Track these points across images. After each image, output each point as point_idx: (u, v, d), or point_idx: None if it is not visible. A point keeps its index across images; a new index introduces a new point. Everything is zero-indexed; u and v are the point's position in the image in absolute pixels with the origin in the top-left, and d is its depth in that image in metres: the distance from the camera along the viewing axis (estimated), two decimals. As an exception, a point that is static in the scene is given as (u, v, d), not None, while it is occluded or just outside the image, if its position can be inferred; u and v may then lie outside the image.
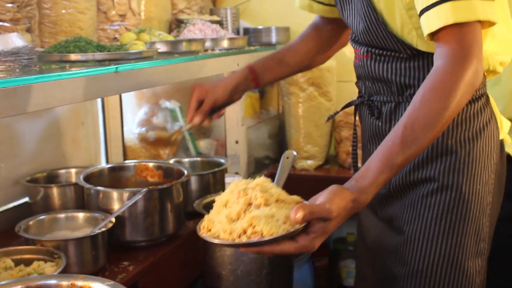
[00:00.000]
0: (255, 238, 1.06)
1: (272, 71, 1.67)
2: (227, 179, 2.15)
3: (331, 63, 2.63)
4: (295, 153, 1.89)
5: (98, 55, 1.57)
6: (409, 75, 1.35)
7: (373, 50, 1.39)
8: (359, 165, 1.61)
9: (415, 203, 1.37)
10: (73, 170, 2.07)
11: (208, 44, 2.16)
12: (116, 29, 2.12)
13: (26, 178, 1.92)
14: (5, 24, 1.62)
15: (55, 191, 1.83)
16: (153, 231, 1.68)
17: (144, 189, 1.60)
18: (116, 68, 1.46)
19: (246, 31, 2.71)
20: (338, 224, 1.11)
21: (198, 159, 2.21)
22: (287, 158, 1.90)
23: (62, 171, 2.06)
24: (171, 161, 2.15)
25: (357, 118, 1.60)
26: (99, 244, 1.51)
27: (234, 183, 1.20)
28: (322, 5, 1.60)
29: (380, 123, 1.43)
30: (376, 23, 1.33)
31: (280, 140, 2.83)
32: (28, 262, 1.42)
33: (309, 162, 2.63)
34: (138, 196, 1.58)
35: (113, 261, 1.60)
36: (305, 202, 1.15)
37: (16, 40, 1.40)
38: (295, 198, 1.18)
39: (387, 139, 1.18)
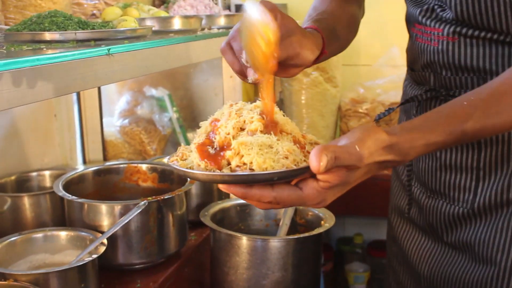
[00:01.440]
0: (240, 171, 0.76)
1: (329, 43, 1.07)
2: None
3: (337, 44, 2.34)
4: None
5: (81, 34, 1.23)
6: None
7: (465, 30, 1.05)
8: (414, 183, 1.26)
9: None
10: (46, 173, 1.73)
11: (204, 19, 1.84)
12: (95, 4, 1.78)
13: (-11, 184, 1.58)
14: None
15: (26, 201, 1.49)
16: (151, 251, 1.37)
17: (142, 202, 1.29)
18: (108, 49, 1.13)
19: (238, 8, 2.39)
20: (364, 177, 0.81)
21: (196, 155, 1.88)
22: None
23: (34, 174, 1.72)
24: (165, 160, 1.83)
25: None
26: (89, 275, 1.19)
27: (228, 104, 0.89)
28: None
29: None
30: None
31: (278, 131, 2.53)
32: (-2, 303, 1.10)
33: (313, 155, 2.34)
34: (135, 212, 1.26)
35: (104, 291, 1.29)
36: (321, 143, 0.84)
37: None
38: (310, 137, 0.86)
39: (462, 98, 0.89)
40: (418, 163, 1.23)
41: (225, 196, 1.69)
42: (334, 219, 1.45)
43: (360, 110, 2.27)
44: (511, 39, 1.01)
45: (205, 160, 0.79)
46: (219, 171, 0.78)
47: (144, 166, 1.60)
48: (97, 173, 1.57)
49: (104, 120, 2.16)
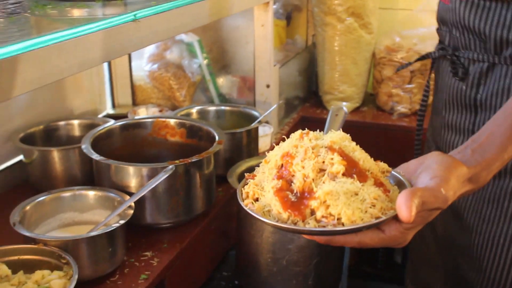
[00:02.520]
0: (329, 224, 0.74)
1: None
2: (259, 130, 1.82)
3: (374, -12, 2.23)
4: (345, 109, 1.57)
5: (107, -8, 1.20)
6: None
7: None
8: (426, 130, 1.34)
9: (498, 199, 1.10)
10: (75, 122, 1.73)
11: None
12: None
13: (19, 135, 1.58)
14: None
15: (56, 155, 1.50)
16: (179, 212, 1.37)
17: (170, 166, 1.28)
18: (134, 15, 1.09)
19: None
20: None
21: (226, 108, 1.85)
22: (336, 115, 1.57)
23: (62, 123, 1.72)
24: (194, 110, 1.81)
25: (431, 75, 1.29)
26: (117, 239, 1.20)
27: (296, 134, 0.85)
28: None
29: (464, 86, 1.15)
30: None
31: (309, 77, 2.47)
32: (28, 267, 1.12)
33: (345, 104, 2.29)
34: (162, 176, 1.25)
35: (132, 251, 1.30)
36: (394, 172, 0.82)
37: (-2, -22, 1.02)
38: (381, 165, 0.84)
39: None
40: (431, 121, 1.33)
41: (253, 153, 1.67)
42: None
43: (395, 59, 2.19)
44: None
45: (289, 210, 0.75)
46: (302, 222, 0.75)
47: (172, 121, 1.58)
48: (125, 127, 1.56)
49: (133, 64, 2.13)
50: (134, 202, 1.27)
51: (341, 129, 1.47)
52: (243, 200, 0.82)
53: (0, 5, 1.02)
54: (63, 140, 1.68)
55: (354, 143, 0.84)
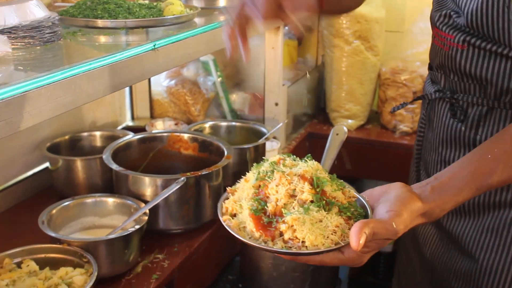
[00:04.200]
0: (294, 246, 0.85)
1: None
2: (266, 145, 1.96)
3: (380, 13, 2.37)
4: (345, 129, 1.70)
5: (131, 22, 1.34)
6: None
7: (474, 40, 1.11)
8: (422, 172, 1.37)
9: (497, 229, 1.15)
10: (97, 134, 1.89)
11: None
12: (145, -26, 1.86)
13: (46, 144, 1.73)
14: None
15: (79, 164, 1.65)
16: (189, 219, 1.51)
17: (182, 178, 1.42)
18: (154, 45, 1.23)
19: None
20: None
21: (237, 124, 1.99)
22: (337, 134, 1.70)
23: (85, 134, 1.87)
24: (206, 125, 1.95)
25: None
26: (132, 242, 1.34)
27: (274, 159, 0.94)
28: None
29: (463, 127, 1.19)
30: (505, 5, 1.04)
31: (318, 94, 2.61)
32: (53, 264, 1.26)
33: (350, 122, 2.42)
34: (174, 187, 1.40)
35: (145, 253, 1.44)
36: (360, 197, 0.93)
37: (35, 10, 1.17)
38: (349, 193, 0.94)
39: (485, 150, 0.96)
40: (425, 155, 1.33)
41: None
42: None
43: (399, 80, 2.32)
44: None
45: (260, 231, 0.86)
46: (271, 242, 0.86)
47: (186, 136, 1.73)
48: (142, 140, 1.71)
49: (151, 80, 2.28)
50: (149, 209, 1.41)
51: (333, 152, 1.59)
52: (222, 214, 0.93)
53: (37, 34, 1.17)
54: (86, 150, 1.83)
55: (325, 173, 0.94)
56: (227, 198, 0.96)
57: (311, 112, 2.55)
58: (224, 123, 1.99)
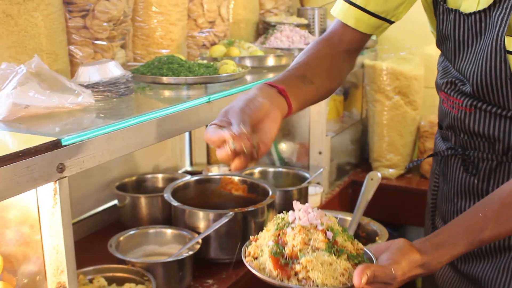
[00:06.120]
0: (307, 284, 0.97)
1: (300, 90, 1.18)
2: (310, 189, 2.16)
3: (419, 71, 2.56)
4: (379, 174, 1.88)
5: (190, 79, 1.60)
6: None
7: (480, 104, 1.25)
8: (437, 220, 1.50)
9: None
10: (159, 176, 2.14)
11: (296, 54, 2.15)
12: (205, 36, 2.14)
13: (115, 184, 1.99)
14: (102, 42, 1.67)
15: (143, 201, 1.90)
16: (237, 250, 1.72)
17: (230, 213, 1.64)
18: (209, 98, 1.48)
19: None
20: (398, 286, 1.03)
21: (283, 170, 2.21)
22: (371, 179, 1.89)
23: (149, 175, 2.13)
24: (256, 171, 2.18)
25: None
26: (186, 266, 1.56)
27: (301, 211, 1.04)
28: (374, 19, 1.31)
29: (476, 180, 1.32)
30: (507, 77, 1.17)
31: (362, 145, 2.80)
32: (119, 281, 1.49)
33: (391, 171, 2.59)
34: (224, 220, 1.62)
35: (198, 278, 1.65)
36: (367, 250, 1.07)
37: (113, 69, 1.44)
38: (358, 245, 1.07)
39: (477, 209, 1.09)
40: (441, 204, 1.46)
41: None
42: (387, 235, 1.74)
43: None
44: None
45: (278, 270, 0.99)
46: (287, 280, 0.98)
47: (236, 178, 1.95)
48: (199, 182, 1.94)
49: (209, 129, 2.54)
50: (202, 240, 1.63)
51: (368, 195, 1.75)
52: (245, 257, 1.07)
53: (114, 89, 1.44)
54: (149, 189, 2.09)
55: (339, 227, 1.07)
56: (250, 244, 1.10)
57: (355, 162, 2.74)
58: (271, 169, 2.21)
